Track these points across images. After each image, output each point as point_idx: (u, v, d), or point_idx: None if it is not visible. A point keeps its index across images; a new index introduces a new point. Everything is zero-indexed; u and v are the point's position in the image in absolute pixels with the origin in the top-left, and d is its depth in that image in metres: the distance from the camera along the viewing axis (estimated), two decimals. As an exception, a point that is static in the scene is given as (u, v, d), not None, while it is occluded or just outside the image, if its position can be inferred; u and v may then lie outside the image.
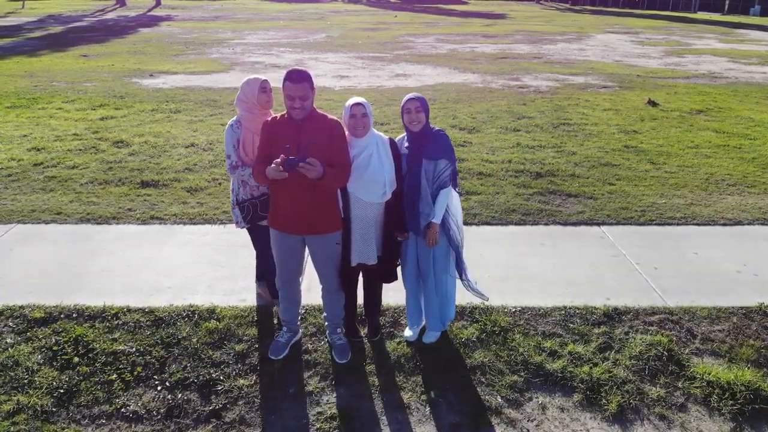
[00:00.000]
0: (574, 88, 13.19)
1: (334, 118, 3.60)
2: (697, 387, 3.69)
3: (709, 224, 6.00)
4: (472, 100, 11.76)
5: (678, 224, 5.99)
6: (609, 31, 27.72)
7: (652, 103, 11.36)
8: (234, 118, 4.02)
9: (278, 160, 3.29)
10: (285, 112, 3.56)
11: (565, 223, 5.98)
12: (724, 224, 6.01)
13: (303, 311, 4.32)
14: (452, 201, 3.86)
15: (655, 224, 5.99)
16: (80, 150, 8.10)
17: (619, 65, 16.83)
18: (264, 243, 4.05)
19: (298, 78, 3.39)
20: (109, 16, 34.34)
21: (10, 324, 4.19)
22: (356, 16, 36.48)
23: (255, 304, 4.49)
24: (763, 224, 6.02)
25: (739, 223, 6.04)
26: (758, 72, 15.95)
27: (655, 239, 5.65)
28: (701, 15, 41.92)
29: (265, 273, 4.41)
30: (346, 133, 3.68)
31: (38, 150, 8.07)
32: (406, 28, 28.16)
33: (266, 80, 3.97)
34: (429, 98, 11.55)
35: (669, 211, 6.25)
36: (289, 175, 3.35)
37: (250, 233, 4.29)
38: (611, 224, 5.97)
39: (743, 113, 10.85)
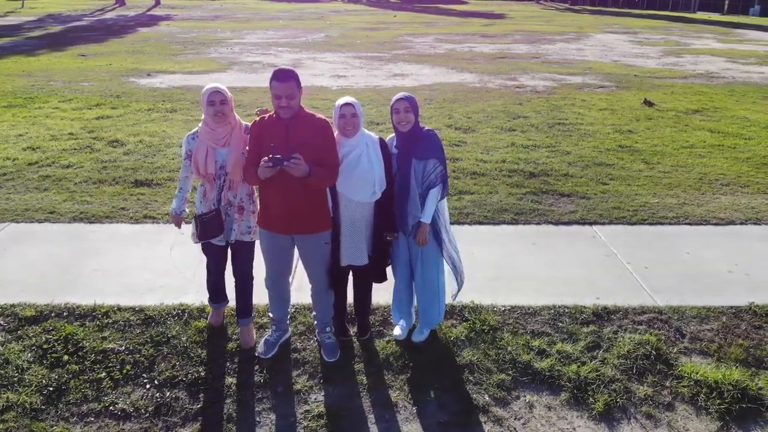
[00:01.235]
0: (571, 87, 13.19)
1: (323, 117, 3.61)
2: (684, 386, 3.70)
3: (702, 224, 6.01)
4: (468, 99, 11.77)
5: (670, 224, 6.00)
6: (608, 31, 27.72)
7: (649, 103, 11.37)
8: (197, 127, 3.77)
9: (266, 158, 3.31)
10: (273, 111, 3.57)
11: (557, 223, 5.99)
12: (717, 224, 6.01)
13: (292, 310, 4.33)
14: (442, 208, 3.87)
15: (648, 224, 5.99)
16: (75, 149, 8.12)
17: (616, 65, 16.84)
18: (215, 264, 4.00)
19: (284, 77, 3.40)
20: (109, 15, 34.34)
21: (1, 322, 4.20)
22: (356, 16, 36.49)
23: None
24: (755, 224, 6.03)
25: (731, 222, 6.05)
26: (756, 72, 15.96)
27: (647, 239, 5.66)
28: (700, 15, 41.92)
29: (216, 292, 4.15)
30: (336, 132, 3.69)
31: (33, 149, 8.09)
32: (405, 28, 28.17)
33: (217, 91, 3.59)
34: (425, 98, 11.62)
35: (661, 211, 6.26)
36: (278, 174, 3.37)
37: (204, 252, 4.03)
38: (603, 224, 5.98)
39: (739, 113, 10.86)
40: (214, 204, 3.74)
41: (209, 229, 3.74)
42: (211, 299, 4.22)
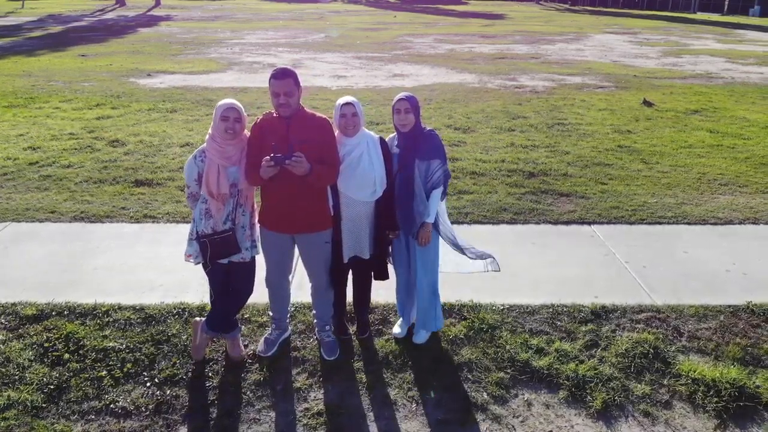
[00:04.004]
0: (570, 88, 13.22)
1: (323, 116, 3.64)
2: (682, 384, 3.72)
3: (700, 224, 6.03)
4: (468, 100, 11.79)
5: (669, 223, 6.02)
6: (607, 32, 27.76)
7: (648, 103, 11.39)
8: (201, 146, 3.62)
9: (267, 158, 3.33)
10: (274, 111, 3.59)
11: (555, 222, 6.01)
12: (715, 224, 6.03)
13: (292, 309, 4.35)
14: (441, 210, 3.90)
15: (646, 223, 6.01)
16: (76, 149, 8.14)
17: (616, 65, 16.86)
18: (221, 285, 3.71)
19: (282, 75, 3.44)
20: (109, 16, 34.38)
21: (2, 321, 4.22)
22: (356, 16, 36.53)
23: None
24: (753, 223, 6.05)
25: (729, 222, 6.07)
26: (755, 72, 15.98)
27: (645, 238, 5.68)
28: (700, 15, 41.96)
29: (216, 321, 3.76)
30: (337, 132, 3.72)
31: (34, 149, 8.11)
32: (405, 29, 28.20)
33: (232, 108, 3.48)
34: (425, 98, 11.63)
35: (660, 211, 6.28)
36: (279, 173, 3.39)
37: (207, 273, 3.73)
38: (602, 223, 6.00)
39: (738, 113, 10.88)
40: (224, 223, 3.58)
41: (222, 250, 3.58)
42: (222, 329, 3.79)
